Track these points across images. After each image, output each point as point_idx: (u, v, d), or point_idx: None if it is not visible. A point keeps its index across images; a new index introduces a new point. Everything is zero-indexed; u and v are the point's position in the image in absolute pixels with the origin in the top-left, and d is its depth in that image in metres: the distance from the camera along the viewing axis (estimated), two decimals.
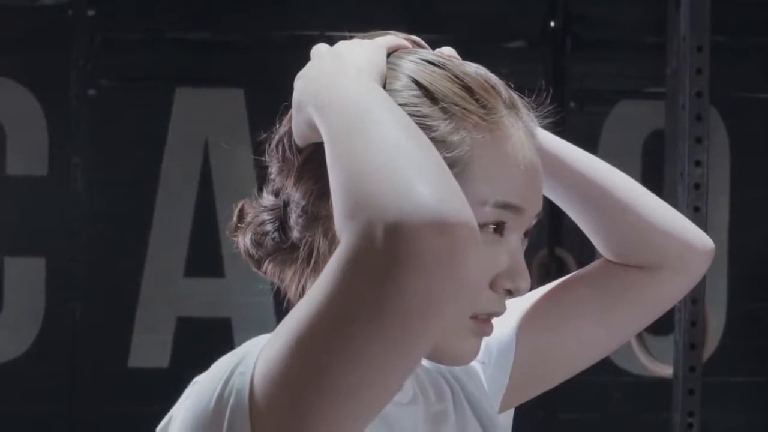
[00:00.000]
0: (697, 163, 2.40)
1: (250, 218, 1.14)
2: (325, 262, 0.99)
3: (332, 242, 1.06)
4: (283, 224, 1.12)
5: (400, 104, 1.03)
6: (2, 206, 4.60)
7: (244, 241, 1.14)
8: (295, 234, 1.10)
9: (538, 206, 1.08)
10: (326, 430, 0.89)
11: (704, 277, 2.46)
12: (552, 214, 1.25)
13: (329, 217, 1.03)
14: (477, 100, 1.06)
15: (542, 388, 1.31)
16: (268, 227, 1.12)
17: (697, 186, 2.40)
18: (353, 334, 0.86)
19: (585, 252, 1.33)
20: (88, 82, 4.60)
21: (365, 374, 0.87)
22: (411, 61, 1.09)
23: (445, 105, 1.05)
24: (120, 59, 4.63)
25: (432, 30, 4.55)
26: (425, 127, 1.02)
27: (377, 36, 1.12)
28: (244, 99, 4.60)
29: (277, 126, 1.13)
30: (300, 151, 1.08)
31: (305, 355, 0.88)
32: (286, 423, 0.90)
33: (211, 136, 4.61)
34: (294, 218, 1.10)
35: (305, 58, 1.10)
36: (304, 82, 1.04)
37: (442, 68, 1.08)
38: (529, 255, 1.10)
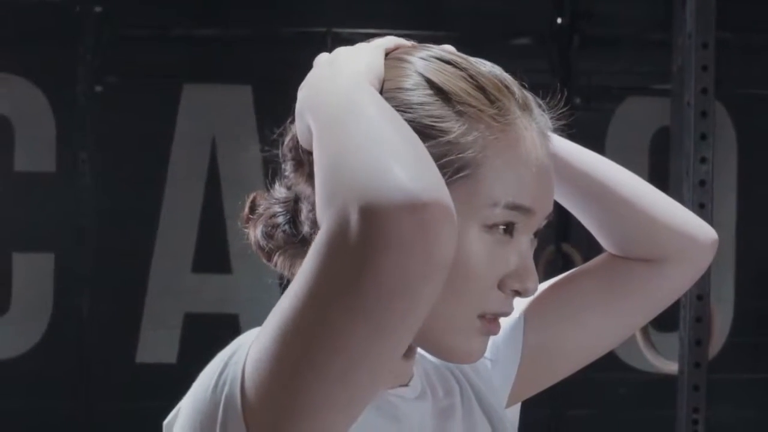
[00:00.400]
0: (703, 160, 2.40)
1: (261, 210, 1.14)
2: None
3: None
4: (294, 218, 1.12)
5: (411, 104, 1.04)
6: (10, 202, 4.61)
7: (255, 232, 1.14)
8: (305, 228, 1.10)
9: (549, 208, 1.08)
10: (315, 417, 0.90)
11: (710, 274, 2.48)
12: (559, 210, 1.25)
13: None
14: (491, 101, 1.06)
15: (549, 382, 1.31)
16: (280, 219, 1.13)
17: (702, 183, 2.40)
18: (334, 317, 0.87)
19: (592, 248, 1.32)
20: (96, 79, 4.61)
21: (350, 358, 0.88)
22: (422, 58, 1.09)
23: (458, 105, 1.05)
24: (127, 56, 4.63)
25: (438, 26, 4.56)
26: (437, 129, 1.03)
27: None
28: (252, 95, 4.61)
29: (289, 122, 1.13)
30: (310, 152, 1.09)
31: (290, 341, 0.89)
32: (275, 410, 0.91)
33: (219, 132, 4.61)
34: (305, 213, 1.10)
35: (312, 54, 1.11)
36: (304, 91, 1.05)
37: (456, 67, 1.08)
38: (536, 251, 1.10)
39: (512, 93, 1.08)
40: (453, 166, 1.03)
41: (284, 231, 1.12)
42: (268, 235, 1.12)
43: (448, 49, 1.12)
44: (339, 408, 0.90)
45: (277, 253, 1.13)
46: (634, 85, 4.66)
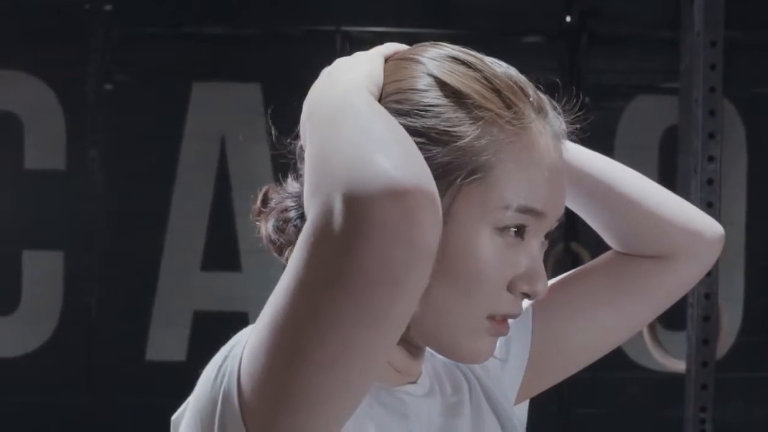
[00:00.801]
0: (711, 159, 2.39)
1: (273, 204, 1.14)
2: None
3: None
4: (305, 213, 1.13)
5: (424, 106, 1.04)
6: (20, 200, 4.63)
7: (266, 226, 1.14)
8: None
9: (561, 211, 1.09)
10: (309, 408, 0.90)
11: (717, 272, 2.48)
12: (568, 209, 1.25)
13: None
14: (506, 105, 1.05)
15: (557, 379, 1.32)
16: (292, 214, 1.13)
17: (710, 181, 2.39)
18: (322, 307, 0.88)
19: (600, 247, 1.33)
20: (106, 77, 4.62)
21: (340, 347, 0.88)
22: (435, 58, 1.08)
23: (473, 109, 1.04)
24: (137, 54, 4.64)
25: (447, 25, 4.56)
26: (450, 134, 1.03)
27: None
28: (261, 93, 4.61)
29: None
30: None
31: (281, 332, 0.90)
32: (270, 402, 0.92)
33: (228, 130, 4.62)
34: None
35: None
36: (305, 101, 1.05)
37: (470, 68, 1.07)
38: (545, 250, 1.10)
39: (527, 96, 1.08)
40: (466, 169, 1.03)
41: (296, 225, 1.12)
42: (280, 230, 1.13)
43: (461, 48, 1.11)
44: (333, 398, 0.91)
45: (288, 248, 1.13)
46: (644, 83, 4.65)
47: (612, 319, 1.28)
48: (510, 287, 1.07)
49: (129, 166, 4.61)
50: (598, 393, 4.51)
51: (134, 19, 4.65)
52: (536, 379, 1.29)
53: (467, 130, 1.04)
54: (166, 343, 4.62)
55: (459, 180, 1.02)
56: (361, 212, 0.85)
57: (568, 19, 4.61)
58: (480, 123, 1.04)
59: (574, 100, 1.13)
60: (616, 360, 4.39)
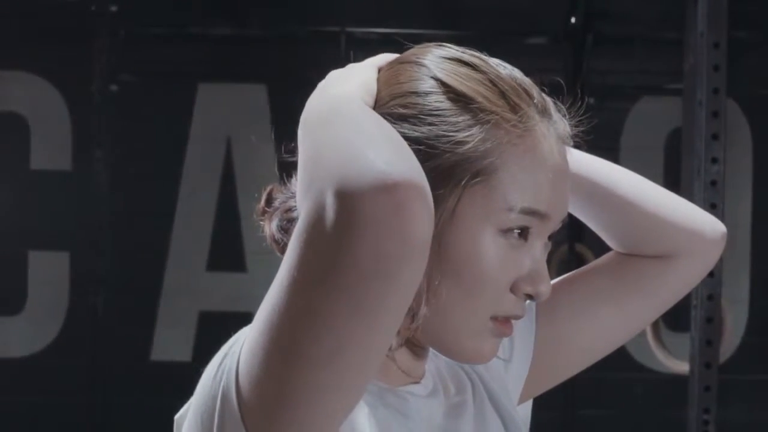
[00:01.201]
0: (714, 160, 2.39)
1: (278, 203, 1.15)
2: None
3: None
4: (298, 211, 1.13)
5: (428, 110, 1.04)
6: (26, 201, 4.64)
7: (270, 226, 1.14)
8: None
9: (564, 212, 1.09)
10: (306, 404, 0.91)
11: (721, 274, 2.47)
12: None
13: None
14: (511, 108, 1.06)
15: (561, 378, 1.32)
16: (295, 213, 1.12)
17: (713, 183, 2.39)
18: (316, 302, 0.88)
19: (605, 248, 1.33)
20: (111, 78, 4.63)
21: (335, 343, 0.89)
22: (438, 60, 1.08)
23: (478, 113, 1.04)
24: (143, 55, 4.65)
25: (453, 26, 4.57)
26: (454, 139, 1.03)
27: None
28: (267, 94, 4.62)
29: None
30: None
31: (276, 329, 0.91)
32: (267, 399, 0.92)
33: (234, 131, 4.63)
34: None
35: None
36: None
37: (475, 70, 1.08)
38: (549, 251, 1.10)
39: (532, 98, 1.08)
40: (470, 172, 1.03)
41: None
42: (284, 229, 1.13)
43: (465, 50, 1.11)
44: (329, 395, 0.91)
45: None
46: (649, 84, 4.65)
47: (615, 319, 1.29)
48: (513, 288, 1.07)
49: (135, 167, 4.62)
50: (602, 394, 4.51)
51: (140, 20, 4.66)
52: (540, 379, 1.29)
53: (472, 134, 1.04)
54: (171, 343, 4.63)
55: (463, 182, 1.03)
56: (353, 207, 0.86)
57: (573, 20, 4.61)
58: (485, 126, 1.04)
59: (573, 99, 1.13)
60: (620, 361, 4.39)
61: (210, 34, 4.68)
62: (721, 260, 2.42)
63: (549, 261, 1.10)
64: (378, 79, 1.08)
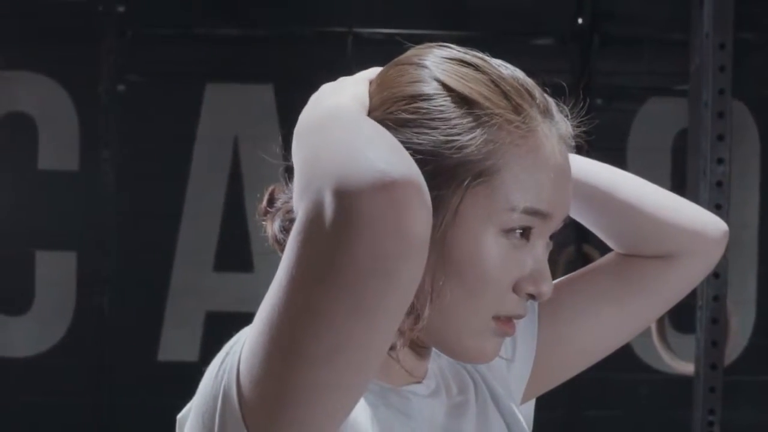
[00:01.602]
0: (720, 161, 2.39)
1: (280, 203, 1.15)
2: None
3: None
4: (295, 213, 1.13)
5: (431, 113, 1.05)
6: (34, 200, 4.64)
7: (272, 226, 1.14)
8: None
9: (566, 212, 1.10)
10: (306, 403, 0.91)
11: (726, 275, 2.47)
12: None
13: None
14: (513, 108, 1.06)
15: (563, 378, 1.33)
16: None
17: (719, 183, 2.39)
18: (315, 301, 0.89)
19: (611, 249, 1.34)
20: (119, 78, 4.63)
21: (333, 343, 0.89)
22: (439, 62, 1.09)
23: (481, 116, 1.05)
24: (150, 55, 4.65)
25: (459, 26, 4.56)
26: (457, 141, 1.03)
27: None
28: (274, 94, 4.62)
29: None
30: None
31: (276, 328, 0.91)
32: (268, 398, 0.92)
33: (241, 131, 4.63)
34: None
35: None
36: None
37: (477, 70, 1.08)
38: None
39: (534, 98, 1.08)
40: (472, 173, 1.04)
41: None
42: (285, 229, 1.13)
43: (467, 50, 1.11)
44: (329, 394, 0.91)
45: None
46: (656, 85, 4.64)
47: (618, 318, 1.29)
48: (515, 288, 1.07)
49: (142, 167, 4.63)
50: (607, 394, 4.51)
51: (147, 21, 4.67)
52: (542, 379, 1.29)
53: (475, 136, 1.04)
54: (178, 343, 4.63)
55: (466, 183, 1.03)
56: (351, 205, 0.87)
57: (580, 21, 4.61)
58: (487, 128, 1.05)
59: (579, 100, 1.14)
60: (625, 361, 4.38)
61: (217, 35, 4.68)
62: (727, 261, 2.43)
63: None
64: (374, 82, 1.09)
